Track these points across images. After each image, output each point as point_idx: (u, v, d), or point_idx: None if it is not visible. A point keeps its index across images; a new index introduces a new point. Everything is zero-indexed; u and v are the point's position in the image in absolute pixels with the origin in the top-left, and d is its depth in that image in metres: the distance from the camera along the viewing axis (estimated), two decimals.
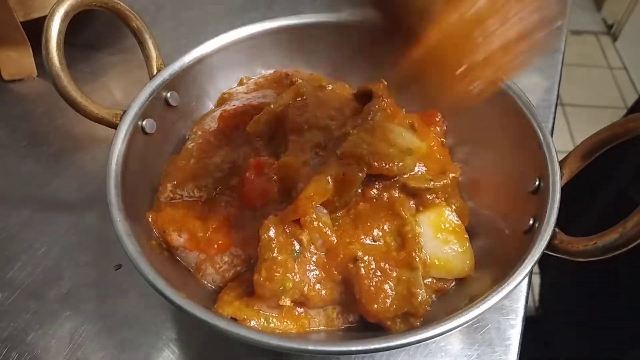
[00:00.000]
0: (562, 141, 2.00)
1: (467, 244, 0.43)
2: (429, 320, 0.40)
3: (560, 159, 0.43)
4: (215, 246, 0.42)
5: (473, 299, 0.36)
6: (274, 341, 0.33)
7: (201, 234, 0.43)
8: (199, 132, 0.50)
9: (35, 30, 0.66)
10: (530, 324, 0.48)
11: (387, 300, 0.39)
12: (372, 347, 0.33)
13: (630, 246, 0.34)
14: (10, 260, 0.51)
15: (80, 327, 0.47)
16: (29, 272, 0.51)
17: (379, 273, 0.39)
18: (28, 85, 0.69)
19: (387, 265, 0.40)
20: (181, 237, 0.43)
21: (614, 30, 2.57)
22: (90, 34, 0.75)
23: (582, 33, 2.60)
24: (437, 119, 0.53)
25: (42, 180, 0.58)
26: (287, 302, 0.37)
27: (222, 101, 0.54)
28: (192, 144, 0.49)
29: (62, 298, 0.49)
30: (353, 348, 0.33)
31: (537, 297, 1.52)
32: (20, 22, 0.66)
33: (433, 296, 0.43)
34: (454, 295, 0.42)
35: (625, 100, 2.27)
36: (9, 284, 0.50)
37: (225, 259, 0.42)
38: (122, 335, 0.47)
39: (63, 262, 0.52)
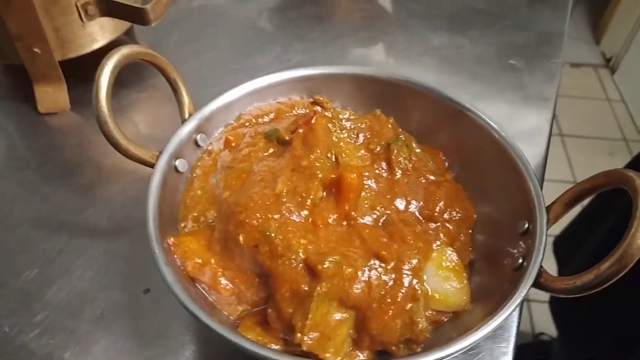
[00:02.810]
0: (561, 171, 2.06)
1: (465, 281, 0.48)
2: (429, 347, 0.45)
3: (547, 204, 0.48)
4: (226, 292, 0.47)
5: (467, 330, 0.41)
6: None
7: (213, 277, 0.47)
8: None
9: (69, 67, 0.73)
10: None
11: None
12: None
13: (605, 286, 0.39)
14: (50, 282, 0.57)
15: (112, 345, 0.52)
16: (66, 293, 0.56)
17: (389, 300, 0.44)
18: (61, 118, 0.75)
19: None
20: (198, 272, 0.47)
21: (612, 63, 2.64)
22: (118, 73, 0.81)
23: (581, 65, 2.68)
24: (440, 156, 0.58)
25: (76, 209, 0.64)
26: (303, 339, 0.42)
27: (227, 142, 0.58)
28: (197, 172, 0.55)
29: (97, 318, 0.54)
30: None
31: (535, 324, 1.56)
32: (58, 61, 0.72)
33: (430, 327, 0.47)
34: (450, 327, 0.47)
35: (623, 132, 2.32)
36: (48, 304, 0.55)
37: (236, 302, 0.47)
38: (150, 353, 0.52)
39: (96, 285, 0.57)
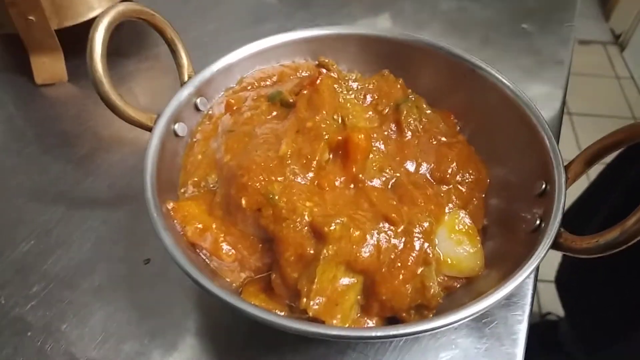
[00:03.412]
0: (569, 150, 2.01)
1: (479, 245, 0.45)
2: (440, 313, 0.43)
3: (565, 164, 0.46)
4: (228, 257, 0.45)
5: (480, 296, 0.39)
6: (300, 326, 0.36)
7: (214, 242, 0.45)
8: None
9: (66, 37, 0.71)
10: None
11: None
12: (392, 333, 0.36)
13: (631, 243, 0.37)
14: (47, 253, 0.55)
15: (111, 317, 0.50)
16: (64, 264, 0.54)
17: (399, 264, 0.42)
18: (59, 90, 0.73)
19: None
20: (199, 237, 0.45)
21: (621, 40, 2.59)
22: (117, 42, 0.78)
23: (590, 43, 2.62)
24: (452, 118, 0.56)
25: (74, 179, 0.62)
26: (309, 304, 0.40)
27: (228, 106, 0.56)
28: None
29: (95, 290, 0.52)
30: (374, 334, 0.36)
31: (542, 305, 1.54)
32: (54, 30, 0.69)
33: (442, 293, 0.45)
34: (462, 293, 0.45)
35: (632, 110, 2.28)
36: (45, 276, 0.53)
37: (238, 268, 0.45)
38: (150, 324, 0.50)
39: (95, 256, 0.55)
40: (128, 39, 0.80)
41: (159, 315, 0.51)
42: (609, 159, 0.56)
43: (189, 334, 0.50)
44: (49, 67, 0.72)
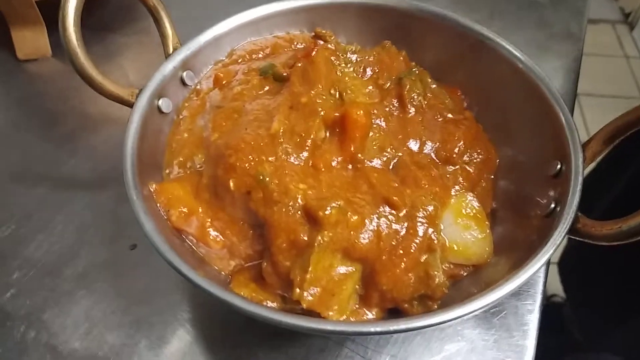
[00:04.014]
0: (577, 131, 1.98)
1: (488, 231, 0.42)
2: (446, 304, 0.39)
3: (582, 143, 0.42)
4: (216, 244, 0.42)
5: (489, 286, 0.36)
6: (292, 320, 0.33)
7: (200, 228, 0.42)
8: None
9: (50, 9, 0.67)
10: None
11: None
12: (391, 328, 0.33)
13: None
14: (27, 239, 0.52)
15: (95, 305, 0.48)
16: (46, 250, 0.51)
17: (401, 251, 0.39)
18: (43, 65, 0.69)
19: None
20: (184, 222, 0.42)
21: (631, 19, 2.53)
22: (104, 16, 0.75)
23: (599, 22, 2.56)
24: (458, 94, 0.52)
25: (57, 160, 0.58)
26: (303, 294, 0.37)
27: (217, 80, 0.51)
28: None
29: (78, 277, 0.49)
30: (372, 329, 0.33)
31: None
32: (35, 2, 0.65)
33: (447, 282, 0.42)
34: (469, 282, 0.41)
35: None
36: (26, 262, 0.50)
37: (228, 256, 0.42)
38: (137, 314, 0.47)
39: (78, 242, 0.52)
40: (115, 12, 0.75)
41: (146, 304, 0.48)
42: None
43: (178, 324, 0.47)
44: (31, 41, 0.68)
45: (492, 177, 0.48)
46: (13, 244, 0.51)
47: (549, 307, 1.42)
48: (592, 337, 1.08)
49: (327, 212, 0.37)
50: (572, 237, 0.38)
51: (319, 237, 0.37)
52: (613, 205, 0.88)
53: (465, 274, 0.42)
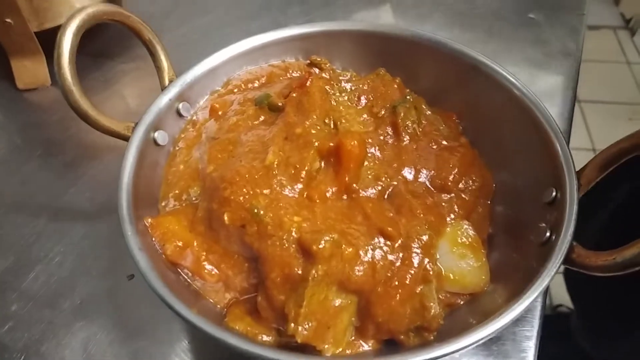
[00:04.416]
0: (579, 138, 1.97)
1: (484, 259, 0.42)
2: (442, 334, 0.39)
3: (577, 169, 0.42)
4: (211, 277, 0.42)
5: (487, 315, 0.36)
6: (285, 358, 0.33)
7: (195, 261, 0.42)
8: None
9: (49, 39, 0.67)
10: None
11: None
12: None
13: None
14: (26, 270, 0.52)
15: (93, 337, 0.48)
16: (44, 282, 0.51)
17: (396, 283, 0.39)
18: (42, 94, 0.70)
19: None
20: (179, 256, 0.42)
21: (632, 24, 2.52)
22: (102, 43, 0.76)
23: (600, 28, 2.56)
24: (454, 119, 0.52)
25: (56, 190, 0.59)
26: (297, 329, 0.36)
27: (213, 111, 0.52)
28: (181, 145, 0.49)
29: (76, 308, 0.49)
30: None
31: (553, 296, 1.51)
32: (34, 33, 0.66)
33: (443, 312, 0.41)
34: (466, 310, 0.41)
35: None
36: (24, 294, 0.50)
37: (223, 289, 0.42)
38: (135, 345, 0.47)
39: (76, 272, 0.52)
40: (113, 39, 0.76)
41: (145, 335, 0.48)
42: None
43: (176, 354, 0.47)
44: (30, 71, 0.68)
45: (489, 202, 0.48)
46: (12, 276, 0.52)
47: (555, 317, 1.41)
48: (600, 347, 1.07)
49: (320, 246, 0.37)
50: (567, 266, 0.37)
51: (313, 271, 0.37)
52: (606, 226, 0.88)
53: (462, 302, 0.42)
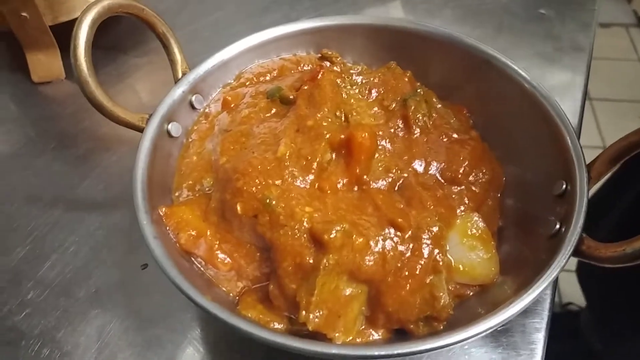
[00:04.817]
0: (590, 136, 1.96)
1: (493, 251, 0.42)
2: (452, 324, 0.40)
3: (587, 162, 0.42)
4: (224, 266, 0.42)
5: (496, 305, 0.36)
6: (297, 344, 0.34)
7: (209, 250, 0.43)
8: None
9: (63, 33, 0.68)
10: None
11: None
12: (395, 352, 0.33)
13: None
14: (42, 259, 0.53)
15: (108, 325, 0.48)
16: (59, 271, 0.52)
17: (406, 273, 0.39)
18: (56, 88, 0.71)
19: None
20: (192, 245, 0.43)
21: None
22: (116, 36, 0.77)
23: (612, 25, 2.54)
24: (464, 113, 0.52)
25: (70, 181, 0.60)
26: (309, 317, 0.37)
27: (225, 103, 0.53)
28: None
29: (91, 296, 0.50)
30: (376, 352, 0.33)
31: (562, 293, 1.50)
32: (49, 26, 0.67)
33: (453, 303, 0.42)
34: (476, 301, 0.41)
35: None
36: (40, 282, 0.51)
37: (235, 278, 0.42)
38: (149, 333, 0.48)
39: (91, 262, 0.53)
40: (127, 33, 0.77)
41: (158, 323, 0.49)
42: None
43: (188, 342, 0.47)
44: (45, 64, 0.69)
45: (499, 195, 0.48)
46: (28, 265, 0.53)
47: (564, 315, 1.41)
48: (611, 345, 1.07)
49: (332, 236, 0.37)
50: (577, 258, 0.38)
51: (325, 261, 0.37)
52: (619, 223, 0.88)
53: (471, 293, 0.43)
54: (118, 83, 0.72)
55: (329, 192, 0.42)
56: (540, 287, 0.36)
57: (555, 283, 0.49)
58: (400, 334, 0.41)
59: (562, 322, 1.35)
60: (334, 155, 0.44)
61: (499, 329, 0.45)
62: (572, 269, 1.18)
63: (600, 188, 1.00)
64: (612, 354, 1.05)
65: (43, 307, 0.50)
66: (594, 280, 1.10)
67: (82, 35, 0.42)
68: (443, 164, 0.46)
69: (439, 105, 0.49)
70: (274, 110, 0.48)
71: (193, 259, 0.43)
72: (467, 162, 0.45)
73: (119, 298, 0.50)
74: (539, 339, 0.45)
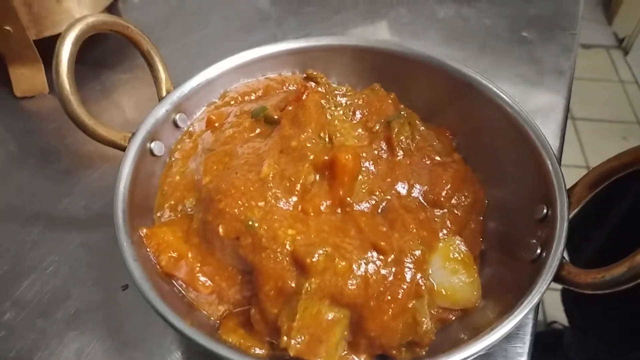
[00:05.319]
0: (573, 156, 1.99)
1: (475, 275, 0.42)
2: (434, 349, 0.40)
3: (568, 186, 0.42)
4: (205, 289, 0.42)
5: (478, 331, 0.36)
6: None
7: (190, 273, 0.42)
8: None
9: (47, 47, 0.68)
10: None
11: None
12: None
13: (639, 280, 0.33)
14: (20, 279, 0.52)
15: (86, 347, 0.47)
16: (37, 290, 0.51)
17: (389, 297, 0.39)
18: (39, 102, 0.70)
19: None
20: (173, 267, 0.42)
21: (625, 44, 2.56)
22: (101, 52, 0.76)
23: (593, 47, 2.59)
24: (447, 135, 0.53)
25: (52, 198, 0.59)
26: (290, 342, 0.37)
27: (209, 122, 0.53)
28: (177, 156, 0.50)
29: (70, 318, 0.49)
30: None
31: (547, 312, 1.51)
32: (33, 41, 0.67)
33: (435, 328, 0.42)
34: (458, 326, 0.41)
35: (637, 115, 2.25)
36: (17, 303, 0.50)
37: (217, 301, 0.42)
38: (129, 356, 0.47)
39: (71, 281, 0.52)
40: (112, 49, 0.77)
41: (138, 346, 0.48)
42: None
43: None
44: (28, 79, 0.69)
45: (481, 218, 0.48)
46: (5, 285, 0.51)
47: (548, 334, 1.41)
48: None
49: (314, 259, 0.37)
50: (557, 283, 0.38)
51: (307, 284, 0.37)
52: (603, 245, 0.89)
53: (453, 318, 0.43)
54: (103, 99, 0.72)
55: (312, 214, 0.42)
56: (521, 314, 0.36)
57: (537, 306, 0.49)
58: None
59: (546, 340, 1.36)
60: (317, 177, 0.44)
61: (481, 354, 0.46)
62: (558, 287, 1.18)
63: (583, 209, 1.01)
64: None
65: (20, 329, 0.49)
66: (574, 300, 1.11)
67: (65, 52, 0.42)
68: (426, 186, 0.46)
69: (422, 128, 0.49)
70: (258, 130, 0.48)
71: (174, 282, 0.42)
72: (449, 185, 0.46)
73: (98, 319, 0.49)
74: None
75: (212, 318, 0.41)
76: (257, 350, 0.39)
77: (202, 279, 0.41)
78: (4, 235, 0.55)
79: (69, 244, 0.55)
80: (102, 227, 0.56)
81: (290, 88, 0.54)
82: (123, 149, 0.45)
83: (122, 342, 0.48)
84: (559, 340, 1.32)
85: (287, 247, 0.39)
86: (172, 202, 0.46)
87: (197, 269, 0.41)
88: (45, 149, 0.65)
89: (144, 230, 0.42)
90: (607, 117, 2.22)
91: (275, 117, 0.48)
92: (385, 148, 0.47)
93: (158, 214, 0.46)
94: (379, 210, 0.44)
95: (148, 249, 0.41)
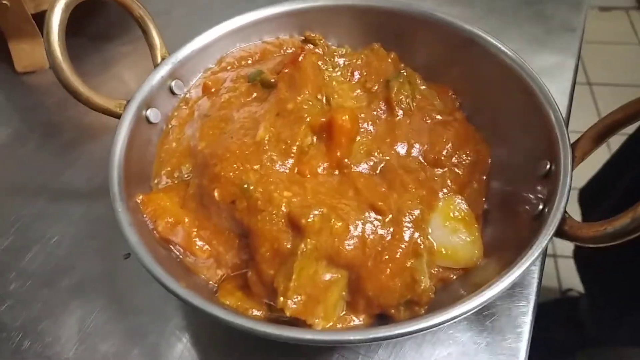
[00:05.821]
0: (590, 121, 1.94)
1: (477, 234, 0.41)
2: (434, 308, 0.39)
3: (572, 142, 0.41)
4: (202, 253, 0.42)
5: (478, 287, 0.35)
6: (273, 331, 0.33)
7: (187, 237, 0.42)
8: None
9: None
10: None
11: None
12: (371, 336, 0.33)
13: None
14: (24, 250, 0.52)
15: (90, 315, 0.48)
16: (42, 261, 0.52)
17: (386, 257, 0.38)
18: (40, 77, 0.70)
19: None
20: (170, 232, 0.42)
21: None
22: (101, 25, 0.75)
23: (611, 9, 2.51)
24: (450, 94, 0.52)
25: (54, 171, 0.59)
26: (287, 303, 0.36)
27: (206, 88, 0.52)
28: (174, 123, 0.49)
29: (73, 287, 0.50)
30: (352, 337, 0.33)
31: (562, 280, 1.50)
32: (32, 15, 0.66)
33: (434, 287, 0.41)
34: (459, 285, 0.41)
35: None
36: (22, 273, 0.51)
37: (214, 265, 0.42)
38: (131, 323, 0.47)
39: (74, 252, 0.52)
40: (111, 21, 0.76)
41: (139, 313, 0.48)
42: (630, 129, 0.50)
43: (171, 332, 0.47)
44: (28, 53, 0.68)
45: (485, 177, 0.47)
46: (10, 256, 0.52)
47: (564, 302, 1.40)
48: (606, 328, 1.07)
49: (309, 220, 0.37)
50: (559, 238, 0.37)
51: (302, 245, 0.36)
52: (617, 206, 0.87)
53: (454, 277, 0.42)
54: (104, 72, 0.71)
55: (308, 176, 0.41)
56: (522, 268, 0.35)
57: (542, 265, 0.48)
58: (383, 320, 0.40)
59: (561, 309, 1.35)
60: (314, 139, 0.43)
61: (484, 313, 0.45)
62: (570, 254, 1.17)
63: (598, 172, 1.00)
64: (606, 338, 1.05)
65: (25, 299, 0.49)
66: (588, 264, 1.09)
67: (55, 19, 0.41)
68: (426, 146, 0.45)
69: (423, 87, 0.48)
70: (254, 95, 0.47)
71: (172, 247, 0.42)
72: (450, 144, 0.45)
73: (101, 288, 0.50)
74: (525, 322, 0.45)
75: (210, 282, 0.41)
76: (255, 312, 0.39)
77: (199, 243, 0.41)
78: (8, 208, 0.56)
79: (72, 215, 0.55)
80: (104, 198, 0.55)
81: (288, 51, 0.53)
82: (118, 116, 0.45)
83: (125, 309, 0.48)
84: (574, 308, 1.31)
85: (283, 209, 0.38)
86: (169, 169, 0.46)
87: (194, 233, 0.41)
88: (47, 123, 0.65)
89: (141, 197, 0.42)
90: (625, 81, 2.17)
91: (272, 80, 0.47)
92: (384, 108, 0.46)
93: (155, 181, 0.46)
94: (378, 171, 0.43)
95: (145, 215, 0.41)
